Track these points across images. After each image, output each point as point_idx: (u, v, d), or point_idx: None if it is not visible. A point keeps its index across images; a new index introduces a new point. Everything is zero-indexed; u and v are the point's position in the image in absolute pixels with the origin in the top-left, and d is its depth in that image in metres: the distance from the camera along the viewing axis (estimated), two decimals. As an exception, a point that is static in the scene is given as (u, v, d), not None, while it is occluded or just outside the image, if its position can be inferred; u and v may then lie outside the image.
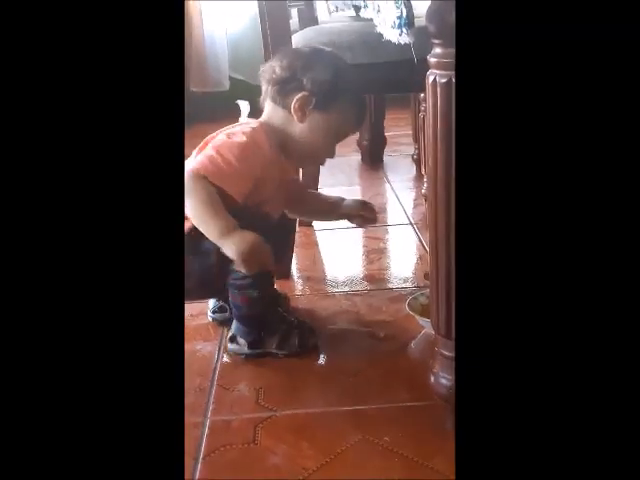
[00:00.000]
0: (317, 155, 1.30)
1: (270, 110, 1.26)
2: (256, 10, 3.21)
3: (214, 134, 1.24)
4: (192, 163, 1.16)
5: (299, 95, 1.20)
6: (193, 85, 3.52)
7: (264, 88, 1.26)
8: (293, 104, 1.21)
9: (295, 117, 1.22)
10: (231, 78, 3.56)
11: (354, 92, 1.26)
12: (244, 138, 1.18)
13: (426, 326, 1.27)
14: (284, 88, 1.22)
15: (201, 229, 1.12)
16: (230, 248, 1.11)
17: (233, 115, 3.29)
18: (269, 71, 1.24)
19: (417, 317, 1.28)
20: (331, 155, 1.29)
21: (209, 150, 1.17)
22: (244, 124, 1.27)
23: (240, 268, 1.13)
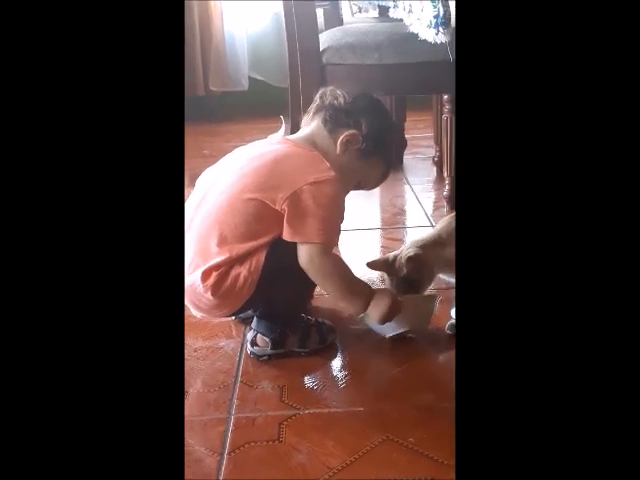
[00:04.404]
0: None
1: (315, 129, 1.26)
2: (276, 10, 3.22)
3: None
4: (306, 235, 1.14)
5: (352, 132, 1.22)
6: (212, 84, 3.54)
7: (316, 106, 1.27)
8: (342, 137, 1.22)
9: (337, 148, 1.23)
10: (250, 78, 3.57)
11: (391, 156, 1.34)
12: (333, 188, 1.17)
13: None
14: (340, 118, 1.23)
15: (342, 301, 1.25)
16: (379, 308, 1.19)
17: (251, 114, 3.30)
18: (332, 95, 1.25)
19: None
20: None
21: (315, 215, 1.14)
22: (301, 145, 1.24)
23: (382, 319, 1.21)
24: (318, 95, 1.28)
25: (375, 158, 1.27)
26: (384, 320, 1.20)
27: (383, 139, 1.27)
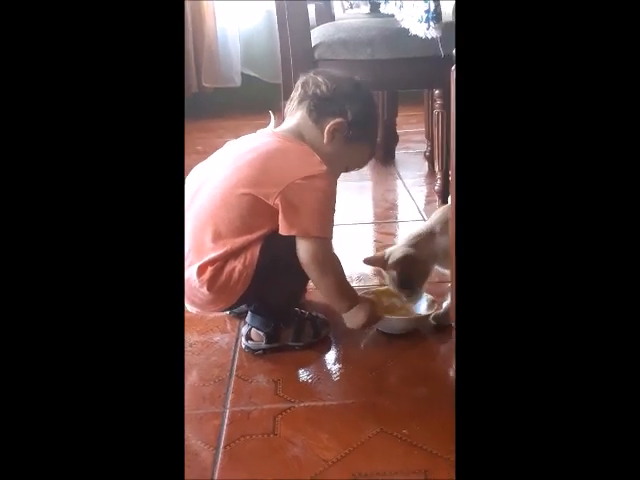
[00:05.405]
0: None
1: (301, 119, 1.25)
2: (269, 7, 3.22)
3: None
4: (302, 228, 1.14)
5: (338, 120, 1.22)
6: (205, 80, 3.54)
7: (298, 95, 1.26)
8: (328, 126, 1.22)
9: (325, 137, 1.23)
10: (243, 74, 3.57)
11: (376, 137, 1.36)
12: (325, 182, 1.17)
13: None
14: (325, 107, 1.23)
15: (329, 298, 1.25)
16: (357, 317, 1.23)
17: (243, 111, 3.30)
18: (314, 84, 1.24)
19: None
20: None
21: (310, 209, 1.15)
22: (289, 138, 1.24)
23: (357, 327, 1.24)
24: (300, 83, 1.27)
25: (361, 142, 1.28)
26: (356, 328, 1.24)
27: (368, 123, 1.28)
